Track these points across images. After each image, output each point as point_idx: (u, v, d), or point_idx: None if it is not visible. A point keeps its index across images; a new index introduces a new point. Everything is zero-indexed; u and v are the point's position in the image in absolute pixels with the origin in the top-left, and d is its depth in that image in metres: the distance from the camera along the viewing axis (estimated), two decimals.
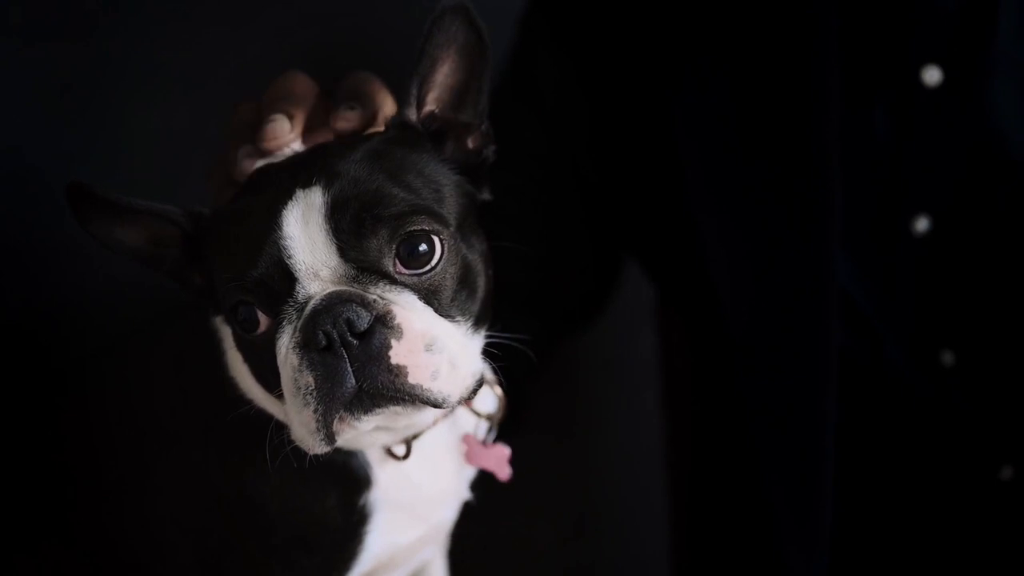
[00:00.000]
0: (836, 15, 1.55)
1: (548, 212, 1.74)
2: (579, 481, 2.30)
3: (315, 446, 1.14)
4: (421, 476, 1.31)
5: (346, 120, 1.26)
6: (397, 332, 1.12)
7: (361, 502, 1.28)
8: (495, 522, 1.60)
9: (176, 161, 1.68)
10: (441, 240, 1.16)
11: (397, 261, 1.15)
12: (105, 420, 1.37)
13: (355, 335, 1.11)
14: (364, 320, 1.11)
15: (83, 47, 1.76)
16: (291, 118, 1.25)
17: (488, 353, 1.22)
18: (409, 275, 1.15)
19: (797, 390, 1.62)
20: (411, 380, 1.12)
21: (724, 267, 1.68)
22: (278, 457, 1.18)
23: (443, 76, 1.24)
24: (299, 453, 1.18)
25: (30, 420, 1.45)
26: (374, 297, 1.13)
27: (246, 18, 1.83)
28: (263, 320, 1.16)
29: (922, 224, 1.59)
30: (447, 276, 1.17)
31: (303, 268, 1.13)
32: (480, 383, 1.18)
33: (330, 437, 1.13)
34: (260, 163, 1.25)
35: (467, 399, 1.18)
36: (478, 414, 1.36)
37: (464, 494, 1.39)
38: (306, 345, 1.12)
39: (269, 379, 1.18)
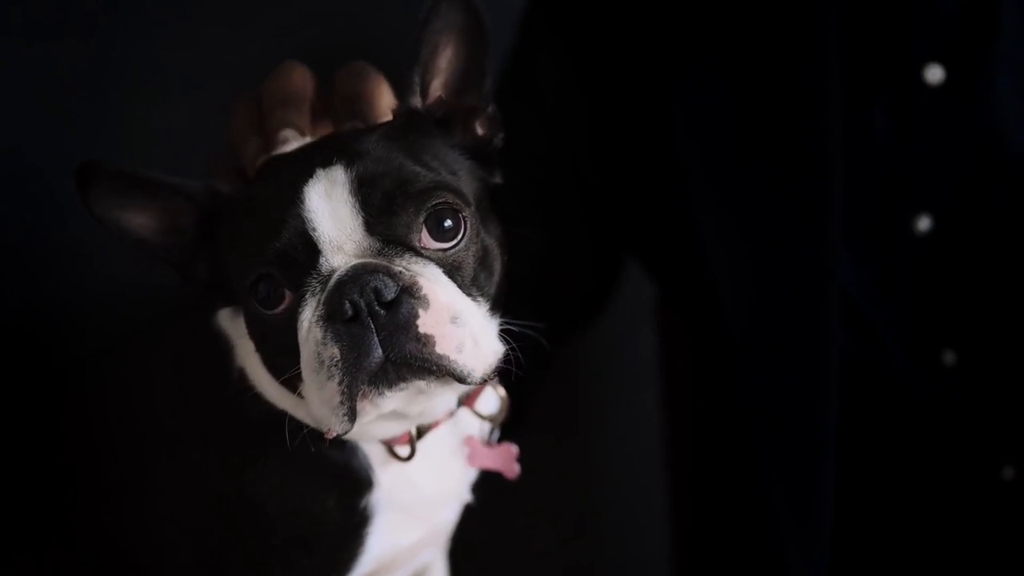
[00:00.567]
0: (836, 15, 1.55)
1: (548, 212, 1.74)
2: (579, 481, 2.30)
3: (336, 424, 1.13)
4: (423, 478, 1.31)
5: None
6: (424, 302, 1.12)
7: (363, 503, 1.28)
8: (495, 522, 1.60)
9: (176, 161, 1.67)
10: (464, 217, 1.17)
11: (424, 235, 1.15)
12: (105, 420, 1.37)
13: (382, 304, 1.10)
14: (391, 290, 1.11)
15: (83, 47, 1.76)
16: (299, 129, 1.26)
17: (504, 337, 1.21)
18: (435, 250, 1.16)
19: (797, 390, 1.62)
20: (438, 350, 1.11)
21: (724, 267, 1.67)
22: (284, 454, 1.18)
23: (445, 62, 1.24)
24: (304, 451, 1.18)
25: (30, 420, 1.44)
26: (400, 268, 1.13)
27: (246, 18, 1.83)
28: (285, 295, 1.15)
29: (924, 223, 1.59)
30: (469, 253, 1.18)
31: (327, 240, 1.13)
32: (497, 368, 1.17)
33: (352, 412, 1.12)
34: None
35: (487, 379, 1.16)
36: (480, 416, 1.35)
37: (465, 496, 1.39)
38: (331, 317, 1.11)
39: (284, 362, 1.16)
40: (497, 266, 1.21)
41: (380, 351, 1.11)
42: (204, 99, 1.66)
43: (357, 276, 1.11)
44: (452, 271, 1.16)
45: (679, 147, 1.68)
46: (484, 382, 1.17)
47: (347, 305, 1.10)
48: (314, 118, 1.31)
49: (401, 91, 1.27)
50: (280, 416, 1.21)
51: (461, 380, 1.13)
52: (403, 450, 1.28)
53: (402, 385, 1.12)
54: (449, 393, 1.25)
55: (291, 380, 1.16)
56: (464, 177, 1.21)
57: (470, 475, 1.38)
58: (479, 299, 1.18)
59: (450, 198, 1.16)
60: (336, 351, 1.11)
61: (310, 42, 1.77)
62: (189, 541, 1.31)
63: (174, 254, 1.25)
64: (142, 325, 1.43)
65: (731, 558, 1.83)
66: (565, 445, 2.22)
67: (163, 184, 1.22)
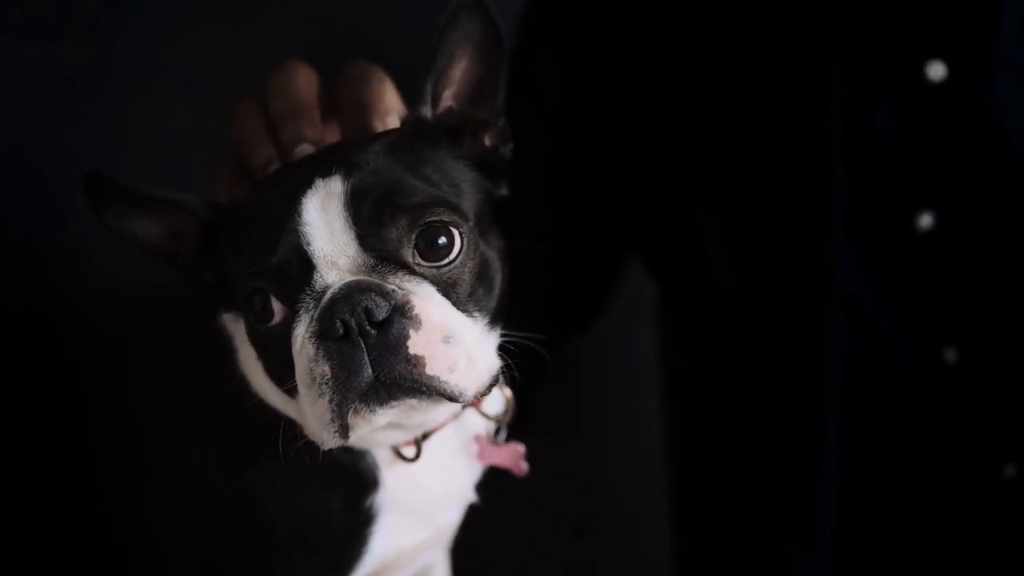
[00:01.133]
0: (836, 15, 1.55)
1: (548, 212, 1.74)
2: (580, 481, 2.30)
3: (329, 439, 1.13)
4: (428, 478, 1.31)
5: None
6: (415, 322, 1.11)
7: (367, 503, 1.28)
8: (496, 522, 1.60)
9: (176, 161, 1.68)
10: (460, 233, 1.16)
11: (416, 252, 1.15)
12: (105, 420, 1.37)
13: (373, 324, 1.10)
14: (383, 309, 1.10)
15: (83, 47, 1.76)
16: (315, 144, 1.26)
17: (501, 352, 1.21)
18: (428, 267, 1.15)
19: (797, 391, 1.62)
20: (428, 371, 1.11)
21: (724, 267, 1.67)
22: (287, 455, 1.17)
23: (460, 73, 1.23)
24: (309, 452, 1.17)
25: (30, 420, 1.44)
26: (393, 287, 1.12)
27: (246, 18, 1.83)
28: (279, 310, 1.15)
29: (926, 220, 1.59)
30: (466, 270, 1.17)
31: (322, 256, 1.13)
32: (495, 380, 1.17)
33: (344, 430, 1.12)
34: None
35: (480, 396, 1.17)
36: (486, 416, 1.35)
37: (469, 496, 1.39)
38: (323, 334, 1.11)
39: (282, 373, 1.17)
40: (498, 279, 1.20)
41: (370, 371, 1.10)
42: (204, 99, 1.66)
43: (349, 295, 1.11)
44: (447, 288, 1.15)
45: (679, 147, 1.67)
46: (478, 399, 1.17)
47: (338, 324, 1.10)
48: (321, 119, 1.30)
49: (407, 94, 1.26)
50: (282, 418, 1.21)
51: (453, 400, 1.13)
52: (409, 451, 1.28)
53: (393, 403, 1.12)
54: (442, 410, 1.24)
55: (292, 389, 1.16)
56: (467, 191, 1.20)
57: (475, 475, 1.38)
58: (476, 315, 1.17)
59: (445, 215, 1.15)
60: (327, 369, 1.11)
61: (310, 42, 1.76)
62: (189, 541, 1.31)
63: (180, 260, 1.25)
64: (142, 325, 1.42)
65: (732, 558, 1.82)
66: (565, 445, 2.22)
67: (162, 199, 1.22)
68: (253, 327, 1.19)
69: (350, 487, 1.27)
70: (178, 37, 1.79)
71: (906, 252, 1.61)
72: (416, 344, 1.11)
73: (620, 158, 1.76)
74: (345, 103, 1.30)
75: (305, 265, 1.13)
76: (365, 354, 1.10)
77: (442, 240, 1.15)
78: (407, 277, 1.14)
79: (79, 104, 1.76)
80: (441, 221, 1.15)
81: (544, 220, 1.73)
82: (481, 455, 1.35)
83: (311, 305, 1.13)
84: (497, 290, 1.20)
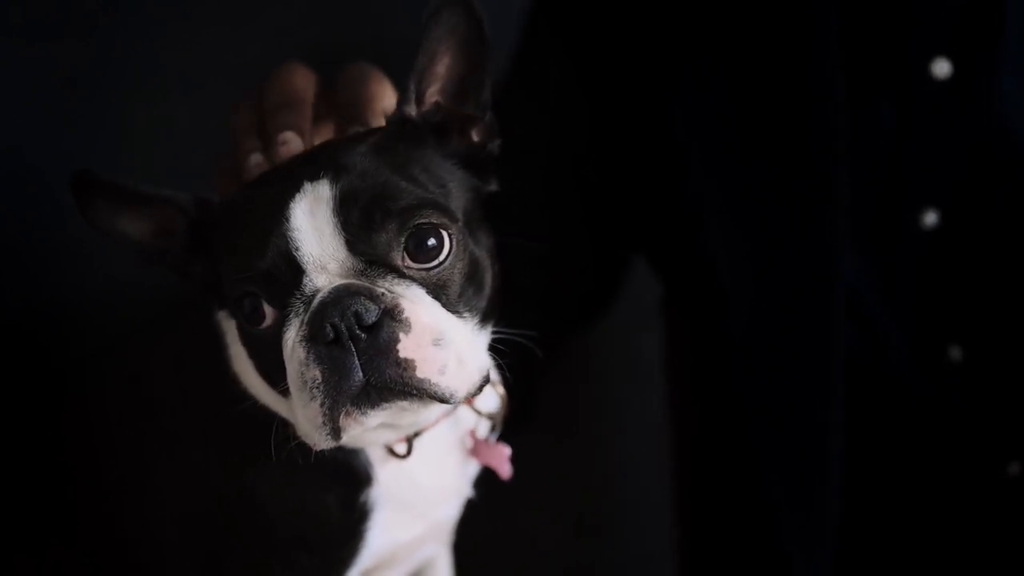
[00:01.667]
0: (836, 14, 1.55)
1: (548, 211, 1.74)
2: (581, 480, 2.30)
3: (321, 441, 1.14)
4: (422, 474, 1.31)
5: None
6: (405, 326, 1.11)
7: (362, 499, 1.28)
8: (496, 521, 1.60)
9: (176, 160, 1.68)
10: (450, 235, 1.16)
11: (405, 255, 1.15)
12: (105, 420, 1.37)
13: (363, 328, 1.10)
14: (372, 313, 1.11)
15: (83, 47, 1.76)
16: (300, 132, 1.26)
17: (494, 350, 1.22)
18: (417, 269, 1.15)
19: (798, 391, 1.62)
20: (419, 374, 1.11)
21: (726, 267, 1.67)
22: (281, 455, 1.18)
23: (444, 69, 1.23)
24: (302, 451, 1.17)
25: (30, 420, 1.44)
26: (382, 291, 1.12)
27: (246, 18, 1.83)
28: (269, 313, 1.15)
29: (930, 218, 1.59)
30: (455, 271, 1.17)
31: (311, 260, 1.13)
32: (486, 380, 1.18)
33: (336, 432, 1.12)
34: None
35: (472, 396, 1.17)
36: (480, 413, 1.35)
37: (466, 491, 1.39)
38: (313, 338, 1.11)
39: (274, 374, 1.17)
40: (488, 278, 1.21)
41: (361, 374, 1.11)
42: (204, 99, 1.66)
43: (339, 299, 1.11)
44: (437, 290, 1.16)
45: (680, 147, 1.67)
46: (468, 400, 1.17)
47: (328, 328, 1.10)
48: (316, 119, 1.30)
49: (399, 94, 1.26)
50: (275, 418, 1.21)
51: (443, 401, 1.13)
52: (400, 448, 1.28)
53: (384, 406, 1.12)
54: (433, 411, 1.24)
55: (285, 390, 1.16)
56: (454, 190, 1.20)
57: (470, 471, 1.39)
58: (466, 315, 1.17)
59: (434, 216, 1.15)
60: (318, 373, 1.11)
61: (310, 42, 1.77)
62: (189, 541, 1.31)
63: (170, 259, 1.25)
64: (142, 325, 1.43)
65: (733, 558, 1.82)
66: (566, 444, 2.22)
67: (153, 196, 1.22)
68: (244, 329, 1.19)
69: (345, 484, 1.27)
70: (178, 37, 1.79)
71: (909, 250, 1.61)
72: (406, 347, 1.11)
73: (621, 158, 1.76)
74: (343, 103, 1.30)
75: (294, 269, 1.13)
76: (355, 358, 1.10)
77: (431, 242, 1.15)
78: (396, 280, 1.14)
79: (79, 104, 1.76)
80: (430, 223, 1.15)
81: (544, 219, 1.73)
82: (475, 452, 1.36)
83: (301, 309, 1.13)
84: (487, 289, 1.20)
